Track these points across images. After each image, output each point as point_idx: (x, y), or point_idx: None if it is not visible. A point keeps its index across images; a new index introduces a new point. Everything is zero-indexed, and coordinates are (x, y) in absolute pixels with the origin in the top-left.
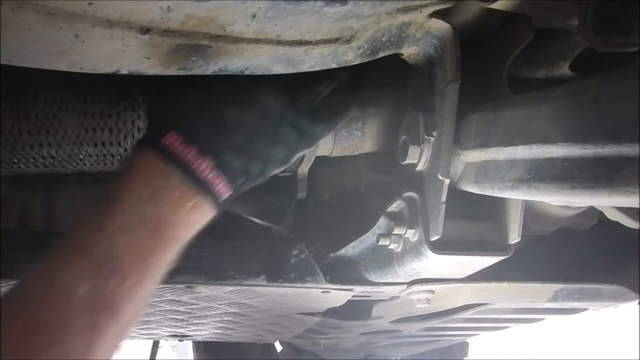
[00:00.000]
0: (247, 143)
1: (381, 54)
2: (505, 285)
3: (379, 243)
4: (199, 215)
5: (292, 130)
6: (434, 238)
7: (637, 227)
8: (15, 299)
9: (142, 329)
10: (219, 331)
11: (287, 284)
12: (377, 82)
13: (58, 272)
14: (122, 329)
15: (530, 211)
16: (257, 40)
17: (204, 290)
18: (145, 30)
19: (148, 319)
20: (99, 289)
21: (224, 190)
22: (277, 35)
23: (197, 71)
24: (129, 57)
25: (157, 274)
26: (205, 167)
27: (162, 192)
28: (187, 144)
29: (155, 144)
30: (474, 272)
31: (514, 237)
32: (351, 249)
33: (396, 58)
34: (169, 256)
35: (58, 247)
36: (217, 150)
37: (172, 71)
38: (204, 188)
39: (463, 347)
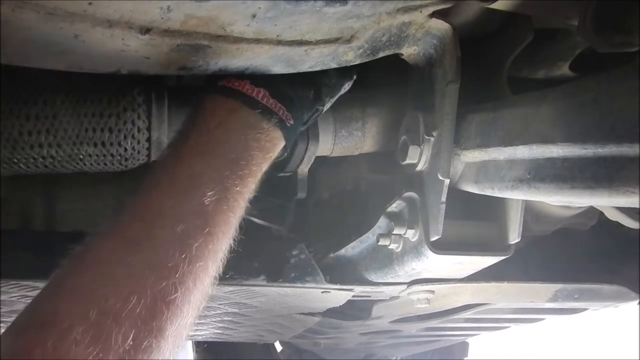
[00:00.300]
0: (293, 76)
1: (381, 54)
2: (505, 285)
3: (379, 243)
4: (269, 139)
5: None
6: (434, 238)
7: (637, 227)
8: (114, 223)
9: None
10: (219, 331)
11: (287, 284)
12: (377, 82)
13: (146, 194)
14: (214, 240)
15: (530, 211)
16: (257, 40)
17: None
18: (145, 30)
19: None
20: (185, 202)
21: (286, 114)
22: (277, 35)
23: (197, 71)
24: (129, 57)
25: (239, 193)
26: (263, 95)
27: (227, 121)
28: (240, 78)
29: (211, 88)
30: (474, 272)
31: (514, 237)
32: (351, 249)
33: (396, 58)
34: (246, 178)
35: (147, 180)
36: (269, 82)
37: (172, 71)
38: (267, 111)
39: (463, 347)
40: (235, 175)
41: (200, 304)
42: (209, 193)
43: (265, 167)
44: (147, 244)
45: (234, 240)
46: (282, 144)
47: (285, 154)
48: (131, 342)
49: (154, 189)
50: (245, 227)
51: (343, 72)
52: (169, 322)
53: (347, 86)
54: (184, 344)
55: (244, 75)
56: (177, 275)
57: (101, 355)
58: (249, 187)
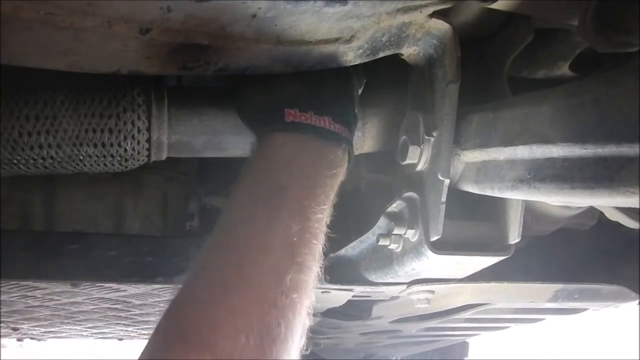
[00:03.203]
0: (342, 94)
1: (381, 54)
2: (505, 285)
3: (379, 243)
4: (339, 164)
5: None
6: (434, 238)
7: (637, 227)
8: (202, 267)
9: (143, 329)
10: None
11: None
12: (377, 82)
13: (230, 233)
14: (306, 269)
15: (530, 211)
16: (257, 40)
17: None
18: (145, 30)
19: (149, 319)
20: (271, 235)
21: (347, 134)
22: (277, 36)
23: (197, 71)
24: (129, 57)
25: (319, 222)
26: (329, 123)
27: (299, 154)
28: (304, 111)
29: (276, 124)
30: (474, 272)
31: (514, 237)
32: (351, 249)
33: (396, 58)
34: (323, 205)
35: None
36: (328, 107)
37: (172, 71)
38: (336, 137)
39: (463, 347)
40: (314, 203)
41: (302, 334)
42: (293, 225)
43: (337, 187)
44: (242, 284)
45: (320, 268)
46: (348, 163)
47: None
48: None
49: (238, 225)
50: None
51: (359, 75)
52: (277, 355)
53: (359, 90)
54: None
55: (304, 103)
56: (277, 310)
57: None
58: (327, 212)
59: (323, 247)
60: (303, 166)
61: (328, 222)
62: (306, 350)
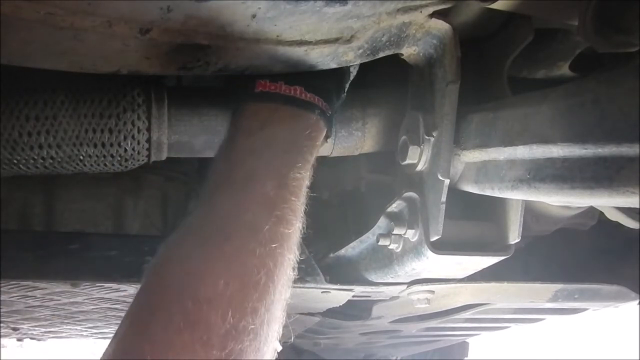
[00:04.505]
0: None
1: (381, 54)
2: (505, 285)
3: (379, 243)
4: (314, 130)
5: None
6: (434, 238)
7: (637, 227)
8: (184, 230)
9: None
10: None
11: None
12: (377, 82)
13: (208, 199)
14: (286, 222)
15: (530, 211)
16: (257, 41)
17: None
18: (145, 30)
19: None
20: (247, 195)
21: (324, 105)
22: (277, 36)
23: (197, 71)
24: (129, 57)
25: (297, 180)
26: (300, 92)
27: (271, 122)
28: (274, 81)
29: (247, 95)
30: (474, 272)
31: (514, 237)
32: (351, 249)
33: (396, 58)
34: (300, 167)
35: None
36: (301, 78)
37: (172, 71)
38: (307, 105)
39: (463, 347)
40: (290, 164)
41: (285, 284)
42: (268, 183)
43: (315, 155)
44: (221, 237)
45: (303, 225)
46: (324, 130)
47: (326, 142)
48: (230, 321)
49: (216, 191)
50: None
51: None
52: (259, 301)
53: (355, 71)
54: (281, 323)
55: (275, 76)
56: (256, 258)
57: (204, 337)
58: (305, 174)
59: (305, 208)
60: (275, 131)
61: (308, 185)
62: (288, 340)
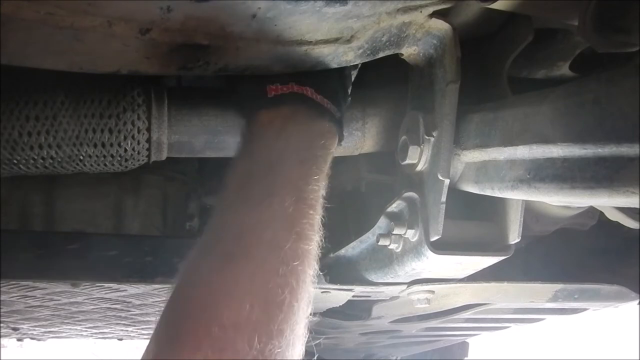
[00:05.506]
0: (321, 73)
1: (381, 54)
2: (505, 285)
3: (379, 243)
4: (327, 136)
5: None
6: (434, 238)
7: (637, 227)
8: (203, 245)
9: (143, 329)
10: None
11: None
12: (377, 82)
13: (225, 214)
14: (306, 239)
15: (531, 211)
16: (257, 41)
17: None
18: (145, 30)
19: (148, 319)
20: (266, 211)
21: (333, 108)
22: (277, 36)
23: (197, 71)
24: (129, 57)
25: (314, 193)
26: (311, 92)
27: (286, 127)
28: (284, 83)
29: (260, 102)
30: (474, 272)
31: (514, 237)
32: (351, 249)
33: (396, 58)
34: (317, 178)
35: (224, 199)
36: (310, 79)
37: (172, 71)
38: (319, 107)
39: (463, 347)
40: (307, 176)
41: (308, 302)
42: (287, 198)
43: (329, 162)
44: (242, 257)
45: (321, 237)
46: (337, 136)
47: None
48: (257, 346)
49: (233, 207)
50: None
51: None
52: (284, 322)
53: (353, 75)
54: (304, 342)
55: (286, 78)
56: (279, 277)
57: None
58: (321, 184)
59: (322, 219)
60: (291, 140)
61: (324, 194)
62: (311, 358)
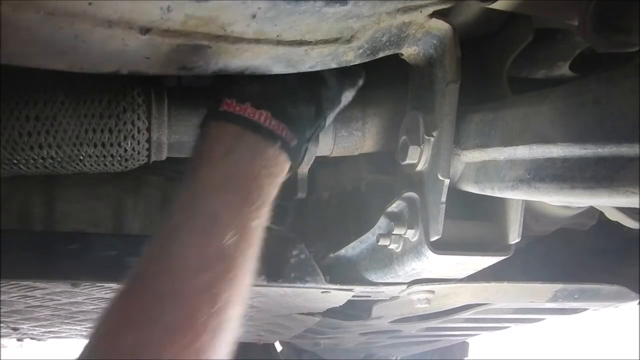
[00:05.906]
0: (294, 93)
1: (381, 54)
2: (505, 285)
3: (379, 243)
4: (275, 164)
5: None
6: (434, 238)
7: (637, 227)
8: (137, 275)
9: None
10: None
11: (287, 284)
12: (377, 81)
13: (167, 241)
14: (239, 283)
15: (531, 211)
16: (257, 41)
17: None
18: (145, 30)
19: None
20: (207, 247)
21: (289, 135)
22: (277, 36)
23: (197, 71)
24: (129, 57)
25: (255, 227)
26: (265, 117)
27: (234, 149)
28: (240, 102)
29: (214, 113)
30: (474, 272)
31: (514, 237)
32: (351, 249)
33: (396, 58)
34: (260, 209)
35: (166, 220)
36: (270, 102)
37: (172, 71)
38: (270, 135)
39: (463, 347)
40: (249, 209)
41: (231, 345)
42: (229, 234)
43: (275, 192)
44: (174, 300)
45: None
46: (288, 165)
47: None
48: None
49: (173, 233)
50: None
51: (342, 81)
52: None
53: (350, 95)
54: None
55: (250, 95)
56: (207, 331)
57: None
58: (263, 218)
59: (261, 250)
60: (238, 165)
61: (266, 225)
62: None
